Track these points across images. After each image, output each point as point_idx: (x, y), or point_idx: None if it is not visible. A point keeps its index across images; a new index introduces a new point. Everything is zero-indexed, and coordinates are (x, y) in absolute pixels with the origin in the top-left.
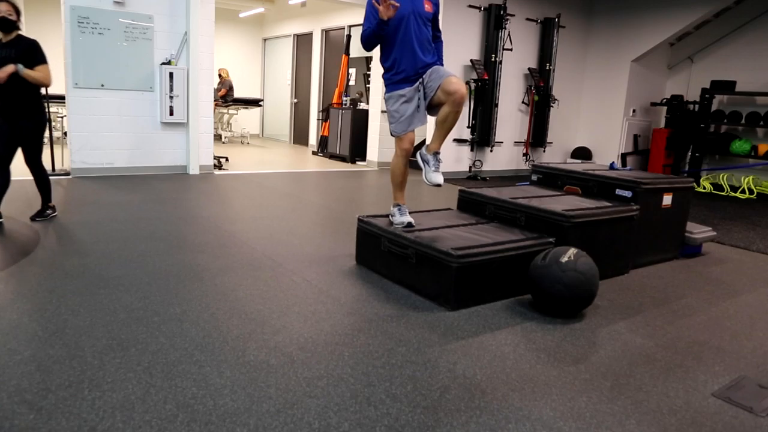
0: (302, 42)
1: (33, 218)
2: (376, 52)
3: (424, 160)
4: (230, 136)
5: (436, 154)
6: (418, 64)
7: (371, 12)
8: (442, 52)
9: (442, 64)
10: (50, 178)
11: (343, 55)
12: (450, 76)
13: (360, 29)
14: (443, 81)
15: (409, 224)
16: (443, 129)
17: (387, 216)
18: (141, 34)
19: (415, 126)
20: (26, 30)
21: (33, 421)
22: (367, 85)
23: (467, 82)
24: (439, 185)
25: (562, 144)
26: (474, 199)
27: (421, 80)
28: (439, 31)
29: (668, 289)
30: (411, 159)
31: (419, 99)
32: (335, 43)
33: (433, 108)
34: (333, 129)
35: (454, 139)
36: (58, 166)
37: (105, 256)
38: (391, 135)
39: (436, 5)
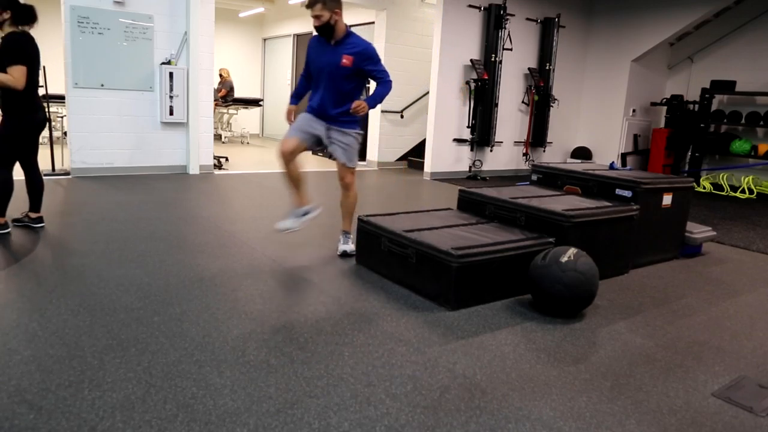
0: (302, 42)
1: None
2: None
3: (343, 241)
4: (230, 136)
5: (346, 233)
6: (322, 112)
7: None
8: (378, 94)
9: (373, 102)
10: (50, 178)
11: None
12: (344, 165)
13: (358, 29)
14: (343, 166)
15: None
16: (344, 210)
17: (387, 216)
18: (141, 34)
19: (294, 135)
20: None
21: (33, 421)
22: (367, 85)
23: (467, 82)
24: (348, 253)
25: (562, 144)
26: (474, 199)
27: (328, 127)
28: (379, 78)
29: (668, 289)
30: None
31: (321, 132)
32: None
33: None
34: None
35: (454, 139)
36: (57, 166)
37: (105, 256)
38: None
39: (359, 60)
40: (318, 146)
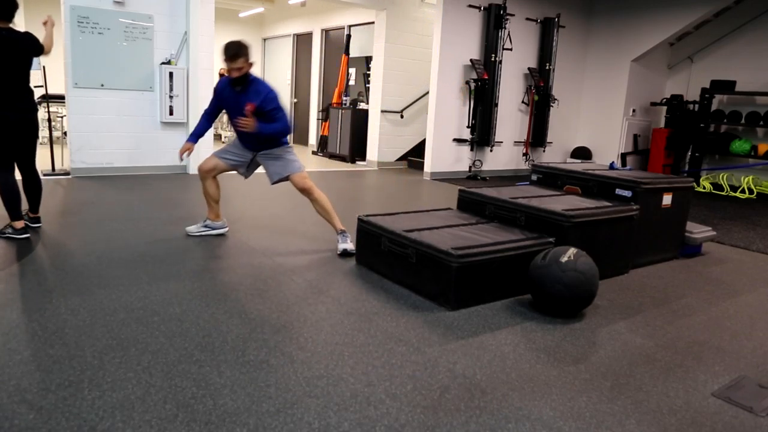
0: (302, 42)
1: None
2: (376, 54)
3: (341, 240)
4: (230, 136)
5: (342, 232)
6: (248, 144)
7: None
8: (273, 128)
9: (264, 128)
10: (50, 178)
11: (343, 55)
12: (291, 176)
13: (358, 29)
14: (291, 178)
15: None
16: (324, 214)
17: (387, 215)
18: (141, 33)
19: (226, 161)
20: (27, 30)
21: (33, 421)
22: (367, 85)
23: (467, 82)
24: (348, 251)
25: (562, 144)
26: (474, 199)
27: (254, 156)
28: (277, 118)
29: (668, 289)
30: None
31: (247, 158)
32: (335, 43)
33: (249, 170)
34: (333, 129)
35: (454, 139)
36: (57, 166)
37: (105, 256)
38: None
39: (260, 104)
40: (248, 170)
